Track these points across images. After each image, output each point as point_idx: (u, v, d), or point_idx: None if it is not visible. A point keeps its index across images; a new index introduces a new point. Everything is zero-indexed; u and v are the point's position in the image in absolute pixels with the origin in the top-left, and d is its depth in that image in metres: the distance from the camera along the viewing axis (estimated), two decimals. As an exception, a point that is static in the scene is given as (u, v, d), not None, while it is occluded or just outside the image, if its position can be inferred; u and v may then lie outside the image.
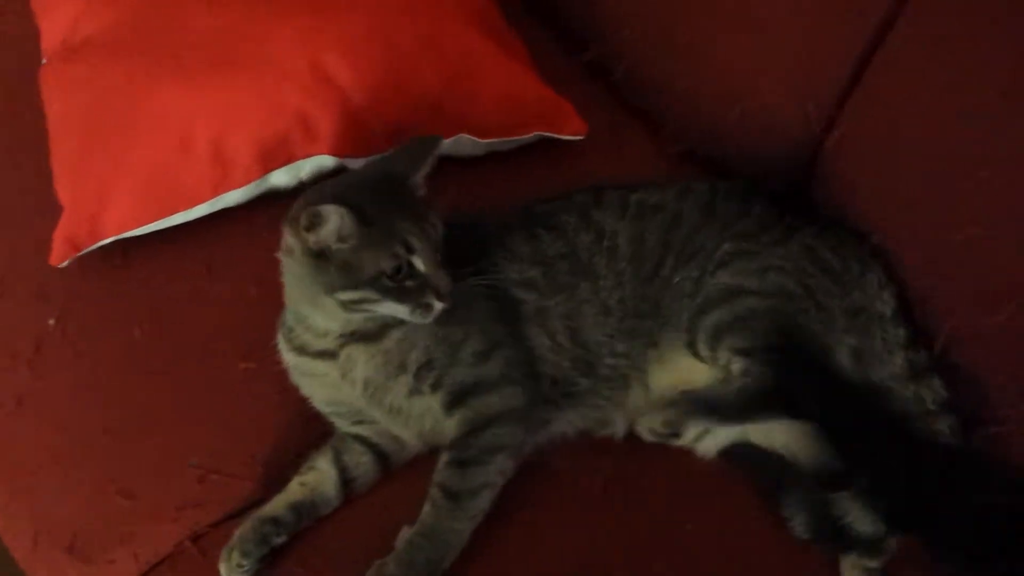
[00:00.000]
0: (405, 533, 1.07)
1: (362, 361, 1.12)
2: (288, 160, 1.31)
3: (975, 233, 1.08)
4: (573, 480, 1.14)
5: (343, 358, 1.12)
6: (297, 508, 1.11)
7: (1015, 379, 1.07)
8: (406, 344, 1.10)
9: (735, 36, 1.32)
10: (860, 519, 1.07)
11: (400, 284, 1.05)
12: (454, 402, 1.11)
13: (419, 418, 1.14)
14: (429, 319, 1.07)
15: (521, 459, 1.11)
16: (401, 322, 1.09)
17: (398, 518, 1.09)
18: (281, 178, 1.33)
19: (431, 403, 1.12)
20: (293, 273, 1.11)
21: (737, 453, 1.15)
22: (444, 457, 1.09)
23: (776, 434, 1.13)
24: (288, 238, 1.09)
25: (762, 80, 1.30)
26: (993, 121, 1.07)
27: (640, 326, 1.17)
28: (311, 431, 1.19)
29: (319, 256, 1.06)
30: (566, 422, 1.17)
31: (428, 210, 1.09)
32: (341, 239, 1.04)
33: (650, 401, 1.17)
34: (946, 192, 1.12)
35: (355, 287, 1.05)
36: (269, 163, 1.30)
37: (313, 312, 1.12)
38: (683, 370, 1.17)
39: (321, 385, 1.16)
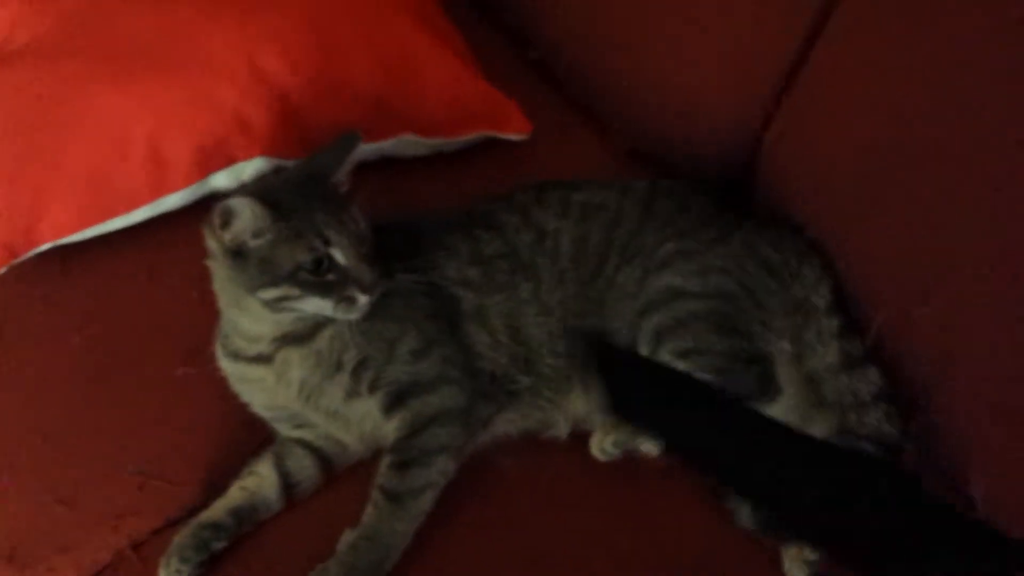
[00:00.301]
0: (347, 536, 1.07)
1: (296, 363, 1.11)
2: (228, 162, 1.30)
3: (906, 225, 1.09)
4: (517, 478, 1.14)
5: (278, 362, 1.12)
6: (237, 513, 1.10)
7: (942, 369, 1.08)
8: (338, 343, 1.10)
9: (672, 34, 1.33)
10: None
11: (321, 279, 1.04)
12: (393, 403, 1.10)
13: (359, 422, 1.14)
14: (354, 314, 1.06)
15: (463, 459, 1.11)
16: (332, 321, 1.09)
17: (340, 522, 1.09)
18: (223, 180, 1.32)
19: (370, 405, 1.12)
20: (219, 277, 1.11)
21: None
22: (385, 460, 1.09)
23: None
24: (208, 241, 1.08)
25: (700, 78, 1.31)
26: (925, 115, 1.08)
27: (582, 326, 1.17)
28: (253, 436, 1.18)
29: (237, 255, 1.05)
30: (507, 422, 1.16)
31: (349, 205, 1.09)
32: (256, 234, 1.04)
33: (591, 404, 1.17)
34: (878, 186, 1.13)
35: (275, 283, 1.04)
36: (208, 165, 1.29)
37: (241, 316, 1.11)
38: None
39: (259, 390, 1.15)
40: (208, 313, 1.18)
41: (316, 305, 1.06)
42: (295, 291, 1.04)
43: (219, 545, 1.09)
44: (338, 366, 1.10)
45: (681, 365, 1.13)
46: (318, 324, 1.10)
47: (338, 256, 1.05)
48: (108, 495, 1.16)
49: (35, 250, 1.27)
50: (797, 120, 1.21)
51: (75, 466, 1.18)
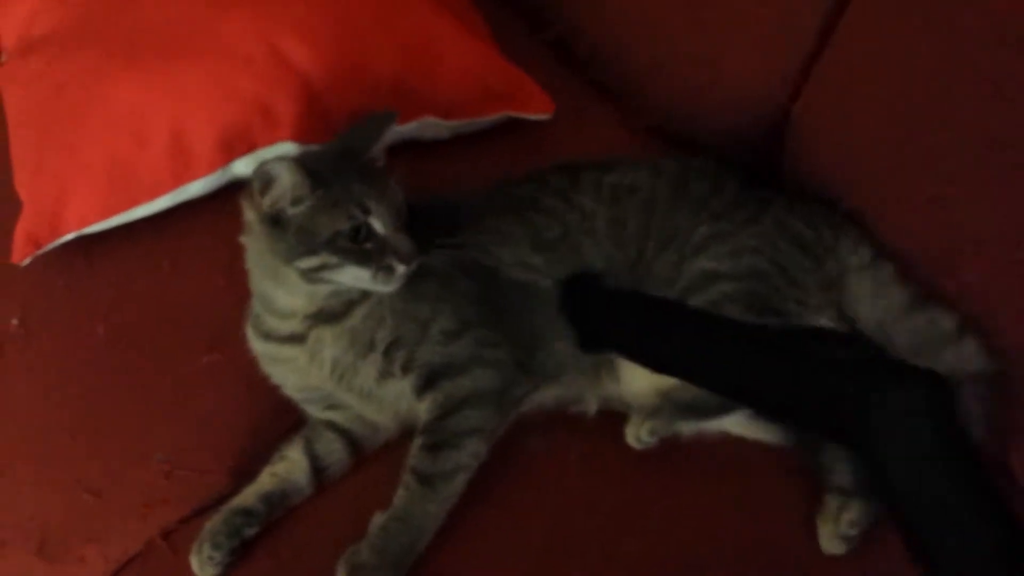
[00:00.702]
0: (378, 519, 1.05)
1: (329, 342, 1.10)
2: (250, 148, 1.29)
3: (936, 192, 1.07)
4: (546, 457, 1.13)
5: (311, 340, 1.11)
6: (268, 498, 1.10)
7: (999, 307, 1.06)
8: (372, 321, 1.09)
9: (696, 6, 1.31)
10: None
11: (359, 247, 1.04)
12: (425, 385, 1.09)
13: (393, 402, 1.13)
14: (392, 285, 1.06)
15: (495, 440, 1.10)
16: (366, 298, 1.08)
17: (371, 505, 1.08)
18: (245, 167, 1.31)
19: (403, 386, 1.11)
20: (254, 250, 1.10)
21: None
22: (417, 441, 1.08)
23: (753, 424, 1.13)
24: (246, 212, 1.08)
25: (727, 51, 1.29)
26: (957, 81, 1.06)
27: None
28: (280, 422, 1.18)
29: (276, 224, 1.05)
30: (542, 395, 1.15)
31: (387, 178, 1.09)
32: (295, 201, 1.04)
33: (620, 389, 1.16)
34: (908, 154, 1.11)
35: (313, 252, 1.04)
36: (230, 152, 1.28)
37: (276, 290, 1.10)
38: None
39: (291, 371, 1.14)
40: (233, 300, 1.18)
41: (354, 275, 1.05)
42: (333, 259, 1.04)
43: (251, 531, 1.08)
44: (371, 345, 1.09)
45: None
46: (351, 302, 1.09)
47: (377, 225, 1.05)
48: (136, 484, 1.15)
49: (59, 240, 1.27)
50: (825, 90, 1.20)
51: (102, 456, 1.17)
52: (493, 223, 1.18)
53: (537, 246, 1.16)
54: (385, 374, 1.10)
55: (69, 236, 1.27)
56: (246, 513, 1.08)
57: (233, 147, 1.28)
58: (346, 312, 1.09)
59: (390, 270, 1.04)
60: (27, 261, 1.27)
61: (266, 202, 1.04)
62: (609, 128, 1.46)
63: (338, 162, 1.08)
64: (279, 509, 1.11)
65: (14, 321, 1.27)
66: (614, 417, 1.16)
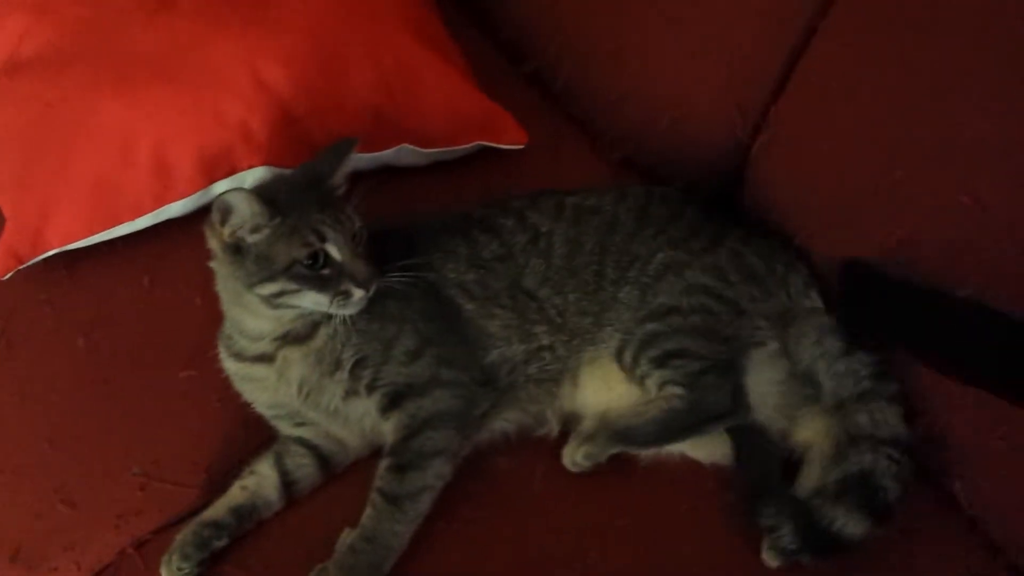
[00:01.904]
0: (346, 537, 1.08)
1: (296, 362, 1.14)
2: (231, 171, 1.32)
3: (892, 234, 1.11)
4: (512, 477, 1.17)
5: (279, 361, 1.14)
6: (238, 512, 1.13)
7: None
8: (336, 341, 1.12)
9: (663, 48, 1.36)
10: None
11: (317, 273, 1.07)
12: (389, 405, 1.13)
13: (358, 420, 1.16)
14: (351, 309, 1.09)
15: (460, 460, 1.13)
16: (330, 320, 1.12)
17: (340, 521, 1.11)
18: (225, 189, 1.34)
19: (368, 405, 1.14)
20: (220, 276, 1.14)
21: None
22: (383, 462, 1.11)
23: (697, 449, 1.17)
24: (209, 240, 1.12)
25: (690, 89, 1.33)
26: (908, 123, 1.11)
27: (579, 325, 1.19)
28: (253, 437, 1.21)
29: (236, 251, 1.09)
30: (504, 420, 1.19)
31: (345, 205, 1.12)
32: (253, 229, 1.07)
33: (576, 405, 1.20)
34: (863, 195, 1.16)
35: (272, 278, 1.07)
36: (211, 174, 1.31)
37: (243, 315, 1.14)
38: (608, 378, 1.19)
39: (261, 389, 1.18)
40: (210, 317, 1.21)
41: (313, 300, 1.09)
42: (292, 285, 1.07)
43: (220, 543, 1.11)
44: (337, 364, 1.13)
45: (656, 374, 1.15)
46: (316, 323, 1.13)
47: (333, 252, 1.08)
48: (111, 495, 1.18)
49: (41, 256, 1.30)
50: (783, 131, 1.24)
51: (79, 467, 1.20)
52: (444, 241, 1.21)
53: (473, 263, 1.20)
54: (351, 392, 1.14)
55: (51, 252, 1.30)
56: (215, 526, 1.11)
57: (214, 170, 1.31)
58: (312, 333, 1.13)
59: (347, 295, 1.08)
60: (8, 275, 1.30)
61: (226, 231, 1.08)
62: (583, 158, 1.50)
63: (297, 190, 1.11)
64: (249, 522, 1.13)
65: (-6, 333, 1.30)
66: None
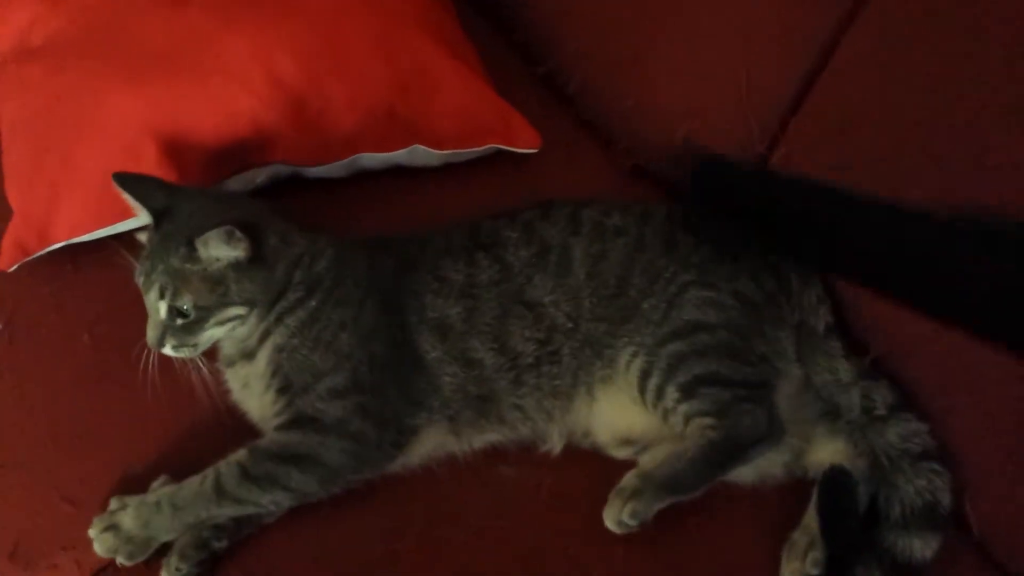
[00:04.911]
0: (160, 486, 1.13)
1: (243, 376, 1.19)
2: (242, 167, 1.32)
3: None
4: (517, 486, 1.17)
5: (239, 371, 1.19)
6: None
7: (942, 390, 1.11)
8: (272, 365, 1.16)
9: (680, 57, 1.34)
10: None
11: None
12: (287, 425, 1.13)
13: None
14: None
15: (304, 501, 1.13)
16: (265, 344, 1.16)
17: (343, 526, 1.12)
18: (236, 185, 1.34)
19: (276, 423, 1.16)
20: None
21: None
22: (237, 454, 1.12)
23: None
24: None
25: (707, 100, 1.32)
26: (929, 142, 1.10)
27: (593, 331, 1.18)
28: (256, 437, 1.19)
29: None
30: (492, 432, 1.19)
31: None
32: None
33: (593, 417, 1.19)
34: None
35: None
36: (221, 170, 1.30)
37: None
38: (622, 400, 1.18)
39: (236, 394, 1.21)
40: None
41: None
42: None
43: (219, 545, 1.11)
44: (268, 385, 1.15)
45: (683, 408, 1.13)
46: (255, 347, 1.16)
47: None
48: (112, 494, 1.16)
49: (47, 249, 1.29)
50: (802, 144, 1.23)
51: (80, 465, 1.19)
52: (445, 265, 1.20)
53: (465, 292, 1.19)
54: (274, 414, 1.15)
55: (57, 245, 1.29)
56: (215, 527, 1.11)
57: (224, 165, 1.30)
58: (254, 353, 1.17)
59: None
60: (14, 268, 1.29)
61: None
62: (594, 163, 1.49)
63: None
64: (249, 526, 1.13)
65: (-1, 326, 1.29)
66: (583, 452, 1.19)
